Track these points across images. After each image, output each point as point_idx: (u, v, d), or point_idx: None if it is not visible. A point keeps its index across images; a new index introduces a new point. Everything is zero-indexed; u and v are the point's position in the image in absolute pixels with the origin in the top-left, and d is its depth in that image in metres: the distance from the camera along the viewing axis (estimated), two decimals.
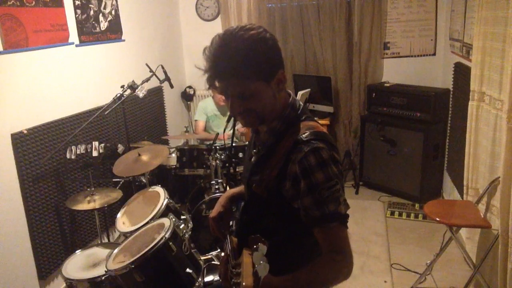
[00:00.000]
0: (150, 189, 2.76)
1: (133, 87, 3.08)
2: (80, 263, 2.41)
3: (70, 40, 3.11)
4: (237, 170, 3.37)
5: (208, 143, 3.58)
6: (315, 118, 1.27)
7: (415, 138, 3.96)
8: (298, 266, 1.09)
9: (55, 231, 2.93)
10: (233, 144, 2.89)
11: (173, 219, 2.18)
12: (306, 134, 1.16)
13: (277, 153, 1.17)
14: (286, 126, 1.21)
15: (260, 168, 1.23)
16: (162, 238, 2.01)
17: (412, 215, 3.90)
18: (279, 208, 1.19)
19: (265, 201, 1.20)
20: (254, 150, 1.35)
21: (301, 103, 1.28)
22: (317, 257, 1.12)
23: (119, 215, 2.64)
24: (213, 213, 1.44)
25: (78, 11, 3.20)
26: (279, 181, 1.16)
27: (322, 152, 1.12)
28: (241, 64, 1.12)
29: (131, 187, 3.21)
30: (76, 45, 3.18)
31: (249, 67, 1.12)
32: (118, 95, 3.03)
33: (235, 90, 1.17)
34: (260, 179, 1.21)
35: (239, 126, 4.10)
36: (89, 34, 3.33)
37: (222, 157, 3.32)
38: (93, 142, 3.16)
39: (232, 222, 1.47)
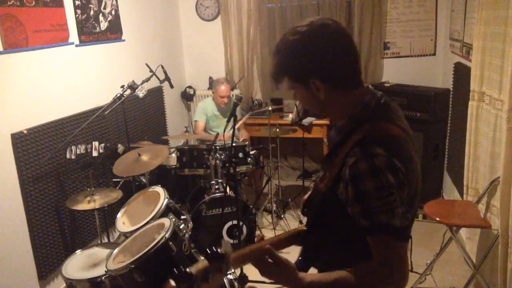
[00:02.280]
0: (150, 189, 2.76)
1: (133, 87, 3.07)
2: (80, 263, 2.41)
3: (70, 40, 3.11)
4: (237, 170, 3.38)
5: (208, 143, 3.58)
6: (393, 118, 1.16)
7: (415, 138, 3.96)
8: (350, 265, 1.10)
9: (55, 231, 2.93)
10: (233, 144, 2.89)
11: (173, 219, 2.18)
12: (367, 136, 1.09)
13: (341, 152, 1.14)
14: (354, 125, 1.15)
15: (326, 165, 1.23)
16: (162, 238, 2.01)
17: None
18: (334, 207, 1.16)
19: (324, 198, 1.20)
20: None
21: (385, 101, 1.19)
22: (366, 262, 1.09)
23: (119, 215, 2.64)
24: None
25: (78, 11, 3.20)
26: (336, 181, 1.14)
27: (376, 158, 1.04)
28: (278, 64, 1.19)
29: (131, 187, 3.21)
30: (76, 45, 3.18)
31: (282, 69, 1.19)
32: (118, 95, 3.03)
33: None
34: (323, 176, 1.22)
35: (239, 128, 4.11)
36: (89, 34, 3.33)
37: (222, 157, 3.32)
38: (93, 142, 3.16)
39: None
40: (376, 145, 1.06)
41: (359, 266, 1.09)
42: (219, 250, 1.10)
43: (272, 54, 1.21)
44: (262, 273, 1.17)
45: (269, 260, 1.16)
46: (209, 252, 1.09)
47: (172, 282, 1.11)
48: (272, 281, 1.15)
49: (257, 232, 3.50)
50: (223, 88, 4.02)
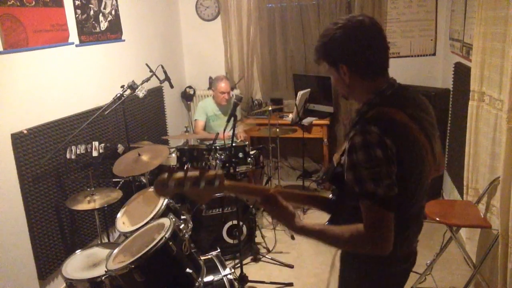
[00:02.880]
0: (150, 189, 2.76)
1: (133, 87, 3.08)
2: (80, 263, 2.41)
3: (70, 40, 3.11)
4: (237, 170, 3.38)
5: (208, 143, 3.58)
6: (402, 106, 1.33)
7: None
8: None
9: (55, 231, 2.93)
10: (233, 144, 2.89)
11: (173, 219, 2.18)
12: (369, 117, 1.28)
13: (351, 132, 1.31)
14: (367, 109, 1.33)
15: (344, 142, 1.40)
16: (162, 238, 2.01)
17: None
18: (343, 176, 1.32)
19: (338, 170, 1.39)
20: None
21: (399, 91, 1.38)
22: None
23: (119, 215, 2.64)
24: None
25: (78, 11, 3.20)
26: (343, 154, 1.33)
27: (369, 134, 1.22)
28: (317, 52, 1.41)
29: (131, 187, 3.21)
30: (76, 45, 3.18)
31: (321, 52, 1.39)
32: (118, 95, 3.03)
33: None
34: (340, 149, 1.42)
35: (239, 128, 4.11)
36: (89, 34, 3.33)
37: (222, 157, 3.32)
38: (93, 142, 3.16)
39: None
40: (373, 124, 1.23)
41: (349, 225, 1.26)
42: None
43: (317, 40, 1.42)
44: (266, 211, 1.38)
45: (273, 202, 1.34)
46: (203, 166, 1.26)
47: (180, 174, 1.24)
48: (274, 219, 1.31)
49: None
50: (222, 85, 4.02)
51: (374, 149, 1.20)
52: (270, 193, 1.35)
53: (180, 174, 1.23)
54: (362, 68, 1.34)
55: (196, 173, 1.24)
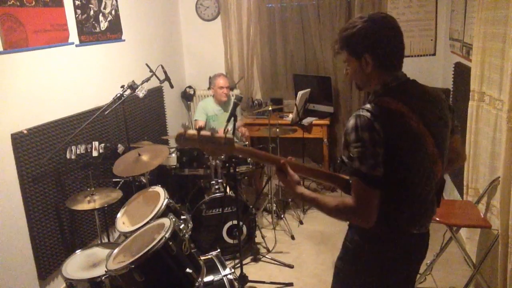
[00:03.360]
0: (150, 189, 2.76)
1: (133, 87, 3.07)
2: (80, 263, 2.41)
3: (70, 40, 3.11)
4: (237, 170, 3.38)
5: None
6: (402, 98, 1.45)
7: None
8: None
9: (55, 231, 2.93)
10: None
11: (173, 219, 2.18)
12: (366, 104, 1.44)
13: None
14: (372, 97, 1.50)
15: None
16: (162, 238, 2.01)
17: None
18: None
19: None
20: None
21: (403, 84, 1.51)
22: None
23: (119, 215, 2.64)
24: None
25: (78, 11, 3.20)
26: None
27: (360, 118, 1.37)
28: (341, 42, 1.53)
29: (131, 187, 3.21)
30: (76, 45, 3.18)
31: (345, 43, 1.51)
32: (118, 95, 3.03)
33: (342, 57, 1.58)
34: None
35: (239, 125, 4.11)
36: (89, 34, 3.34)
37: (222, 157, 3.32)
38: (93, 142, 3.16)
39: None
40: (366, 110, 1.39)
41: (342, 197, 1.45)
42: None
43: (338, 32, 1.55)
44: (279, 179, 1.59)
45: (282, 170, 1.57)
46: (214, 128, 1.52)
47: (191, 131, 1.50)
48: (281, 183, 1.55)
49: None
50: (221, 81, 4.02)
51: (362, 132, 1.36)
52: (282, 162, 1.57)
53: (193, 131, 1.49)
54: (383, 59, 1.47)
55: (208, 133, 1.48)
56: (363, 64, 1.48)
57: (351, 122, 1.39)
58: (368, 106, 1.41)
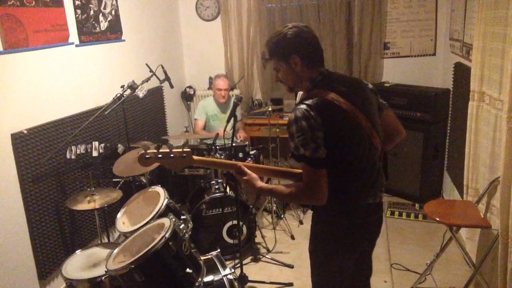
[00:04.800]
0: (150, 189, 2.76)
1: (133, 87, 3.07)
2: (80, 263, 2.41)
3: (70, 40, 3.11)
4: None
5: (208, 142, 3.58)
6: (332, 87, 1.66)
7: (415, 138, 3.96)
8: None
9: (55, 231, 2.93)
10: (233, 144, 2.89)
11: (173, 219, 2.18)
12: (302, 99, 1.65)
13: None
14: (306, 95, 1.69)
15: None
16: (162, 238, 2.01)
17: (412, 215, 3.90)
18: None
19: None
20: None
21: (327, 75, 1.71)
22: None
23: (119, 215, 2.64)
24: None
25: (78, 11, 3.20)
26: None
27: (298, 110, 1.57)
28: (270, 49, 1.75)
29: (131, 187, 3.21)
30: (76, 45, 3.18)
31: (274, 48, 1.74)
32: (118, 95, 3.03)
33: (273, 66, 1.80)
34: None
35: (239, 127, 4.11)
36: (89, 34, 3.33)
37: (222, 157, 3.32)
38: (93, 142, 3.15)
39: None
40: (302, 103, 1.60)
41: (294, 183, 1.67)
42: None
43: (265, 43, 1.78)
44: (238, 179, 1.76)
45: (240, 172, 1.74)
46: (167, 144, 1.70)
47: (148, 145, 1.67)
48: (244, 185, 1.76)
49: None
50: (221, 83, 4.04)
51: (300, 121, 1.55)
52: (238, 165, 1.74)
53: (152, 150, 1.64)
54: (309, 58, 1.70)
55: (166, 150, 1.66)
56: (292, 64, 1.70)
57: (290, 116, 1.59)
58: (302, 100, 1.62)
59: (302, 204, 1.88)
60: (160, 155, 1.64)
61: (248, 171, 1.73)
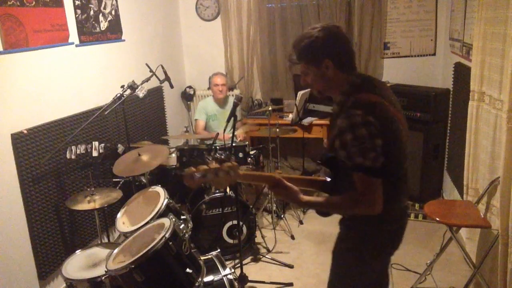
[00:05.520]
0: (150, 189, 2.76)
1: (133, 87, 3.07)
2: (80, 263, 2.41)
3: (70, 40, 3.11)
4: None
5: (208, 142, 3.58)
6: (374, 90, 1.59)
7: (415, 138, 3.96)
8: None
9: (55, 231, 2.93)
10: (233, 144, 2.89)
11: (173, 219, 2.18)
12: (349, 104, 1.52)
13: (337, 119, 1.55)
14: (345, 98, 1.58)
15: (331, 131, 1.65)
16: (162, 238, 2.01)
17: (412, 215, 3.90)
18: (337, 159, 1.58)
19: (330, 154, 1.65)
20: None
21: (367, 79, 1.64)
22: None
23: (119, 215, 2.64)
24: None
25: (78, 11, 3.20)
26: (334, 140, 1.55)
27: (353, 117, 1.46)
28: (300, 53, 1.63)
29: (131, 187, 3.21)
30: (76, 45, 3.18)
31: (304, 52, 1.61)
32: (118, 95, 3.03)
33: (300, 70, 1.67)
34: (328, 137, 1.63)
35: (239, 130, 4.11)
36: (89, 34, 3.34)
37: (222, 157, 3.32)
38: (93, 142, 3.16)
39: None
40: (355, 108, 1.48)
41: (344, 194, 1.56)
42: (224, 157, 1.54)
43: (293, 45, 1.65)
44: (275, 194, 1.65)
45: (280, 185, 1.61)
46: (218, 158, 1.54)
47: (193, 169, 1.55)
48: (283, 199, 1.58)
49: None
50: (218, 79, 4.07)
51: (359, 129, 1.44)
52: (276, 178, 1.61)
53: (203, 166, 1.53)
54: (342, 62, 1.60)
55: (216, 165, 1.54)
56: (323, 69, 1.59)
57: (345, 123, 1.47)
58: (353, 105, 1.50)
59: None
60: (207, 174, 1.53)
61: (289, 184, 1.61)
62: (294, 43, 1.65)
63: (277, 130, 3.85)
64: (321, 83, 1.64)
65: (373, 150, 1.45)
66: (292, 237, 3.64)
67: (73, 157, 2.99)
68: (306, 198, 1.59)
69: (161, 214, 2.43)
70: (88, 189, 2.79)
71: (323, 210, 1.65)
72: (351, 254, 1.72)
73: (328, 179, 1.72)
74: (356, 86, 1.59)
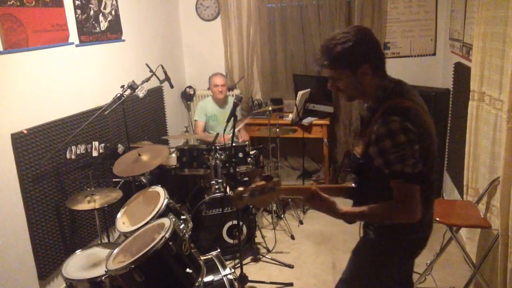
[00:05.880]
0: (150, 189, 2.76)
1: (133, 87, 3.07)
2: (80, 263, 2.41)
3: (70, 40, 3.11)
4: (237, 170, 3.38)
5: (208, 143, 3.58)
6: (408, 95, 1.56)
7: None
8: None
9: (55, 231, 2.93)
10: (233, 144, 2.89)
11: (173, 219, 2.18)
12: (386, 109, 1.49)
13: (370, 125, 1.54)
14: (377, 104, 1.55)
15: (362, 136, 1.64)
16: (162, 238, 2.01)
17: None
18: (369, 165, 1.54)
19: (362, 161, 1.60)
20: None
21: (399, 84, 1.60)
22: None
23: (119, 215, 2.64)
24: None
25: (78, 11, 3.20)
26: (367, 146, 1.53)
27: (391, 124, 1.43)
28: (334, 58, 1.55)
29: (131, 187, 3.21)
30: (76, 45, 3.18)
31: (341, 57, 1.53)
32: (118, 95, 3.03)
33: (328, 75, 1.62)
34: (359, 144, 1.63)
35: (239, 129, 4.11)
36: (89, 34, 3.33)
37: (222, 157, 3.32)
38: (93, 142, 3.16)
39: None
40: (392, 114, 1.45)
41: (384, 202, 1.50)
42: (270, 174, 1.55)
43: (323, 49, 1.57)
44: (311, 206, 1.59)
45: (316, 197, 1.56)
46: (264, 175, 1.54)
47: (240, 188, 1.51)
48: (320, 211, 1.59)
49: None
50: (217, 79, 4.07)
51: (398, 135, 1.42)
52: (312, 190, 1.56)
53: (251, 186, 1.51)
54: (378, 66, 1.57)
55: (262, 182, 1.52)
56: (359, 75, 1.54)
57: (383, 130, 1.44)
58: (389, 111, 1.47)
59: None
60: (255, 192, 1.49)
61: (325, 196, 1.56)
62: (326, 48, 1.56)
63: (277, 130, 3.85)
64: (355, 89, 1.59)
65: (412, 156, 1.43)
66: (292, 237, 3.64)
67: (73, 157, 2.99)
68: (344, 209, 1.55)
69: (161, 214, 2.43)
70: (88, 189, 2.79)
71: (364, 221, 1.62)
72: (377, 259, 1.72)
73: (354, 185, 1.72)
74: (389, 91, 1.56)
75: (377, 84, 1.57)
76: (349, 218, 1.58)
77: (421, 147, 1.45)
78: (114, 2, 3.66)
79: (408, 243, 1.67)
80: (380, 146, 1.45)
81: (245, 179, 1.59)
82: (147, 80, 3.22)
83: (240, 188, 1.51)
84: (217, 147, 3.36)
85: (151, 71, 3.26)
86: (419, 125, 1.46)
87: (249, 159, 3.45)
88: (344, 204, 1.61)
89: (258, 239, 3.56)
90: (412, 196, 1.46)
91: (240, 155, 3.42)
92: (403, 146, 1.42)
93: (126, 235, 2.42)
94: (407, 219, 1.49)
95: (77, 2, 3.19)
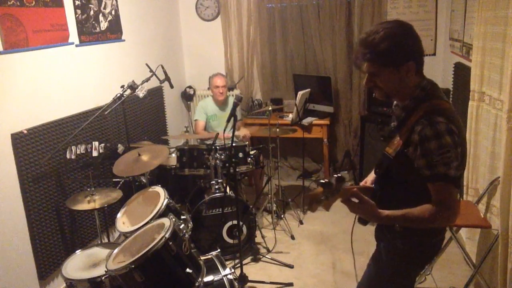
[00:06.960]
0: (150, 189, 2.76)
1: (133, 87, 3.07)
2: (80, 263, 2.41)
3: (70, 40, 3.11)
4: (237, 170, 3.38)
5: (208, 143, 3.58)
6: (443, 97, 1.53)
7: None
8: (412, 206, 1.47)
9: (55, 231, 2.93)
10: (233, 144, 2.89)
11: (173, 219, 2.18)
12: (429, 110, 1.45)
13: (407, 125, 1.49)
14: (415, 104, 1.51)
15: (393, 136, 1.58)
16: (162, 238, 2.01)
17: None
18: (402, 165, 1.51)
19: (392, 160, 1.54)
20: (393, 123, 1.67)
21: (434, 84, 1.55)
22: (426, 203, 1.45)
23: (119, 215, 2.64)
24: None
25: (78, 11, 3.20)
26: (405, 146, 1.48)
27: (438, 125, 1.39)
28: (380, 54, 1.46)
29: (131, 187, 3.21)
30: (76, 45, 3.18)
31: (385, 54, 1.46)
32: (118, 95, 3.03)
33: (367, 70, 1.52)
34: (392, 144, 1.56)
35: (239, 131, 4.11)
36: (89, 34, 3.33)
37: (222, 157, 3.32)
38: (93, 142, 3.16)
39: None
40: (438, 116, 1.41)
41: (423, 205, 1.45)
42: (340, 175, 1.50)
43: (365, 43, 1.47)
44: (351, 209, 1.50)
45: (355, 199, 1.49)
46: (336, 176, 1.48)
47: (320, 189, 1.47)
48: (358, 214, 1.54)
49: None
50: (218, 80, 4.07)
51: (444, 137, 1.39)
52: (354, 189, 1.49)
53: (316, 191, 1.48)
54: (421, 64, 1.53)
55: (330, 182, 1.48)
56: (402, 72, 1.48)
57: (429, 131, 1.40)
58: (433, 112, 1.43)
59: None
60: (330, 193, 1.44)
61: (365, 197, 1.48)
62: (369, 43, 1.46)
63: (277, 130, 3.85)
64: (395, 86, 1.52)
65: (456, 159, 1.40)
66: (292, 237, 3.64)
67: (73, 157, 2.99)
68: (385, 212, 1.48)
69: (161, 214, 2.43)
70: (88, 189, 2.79)
71: (405, 225, 1.55)
72: (404, 268, 1.71)
73: (375, 187, 1.71)
74: (427, 91, 1.52)
75: (417, 83, 1.52)
76: (388, 222, 1.53)
77: (461, 150, 1.43)
78: (114, 2, 3.66)
79: (429, 246, 1.66)
80: (425, 147, 1.40)
81: (338, 175, 1.48)
82: (147, 80, 3.22)
83: (319, 189, 1.46)
84: (217, 147, 3.36)
85: (151, 71, 3.26)
86: (459, 128, 1.44)
87: (249, 159, 3.44)
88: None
89: (258, 239, 3.56)
90: (454, 199, 1.44)
91: (240, 155, 3.42)
92: (448, 148, 1.38)
93: (126, 235, 2.42)
94: (448, 222, 1.48)
95: (77, 2, 3.19)
